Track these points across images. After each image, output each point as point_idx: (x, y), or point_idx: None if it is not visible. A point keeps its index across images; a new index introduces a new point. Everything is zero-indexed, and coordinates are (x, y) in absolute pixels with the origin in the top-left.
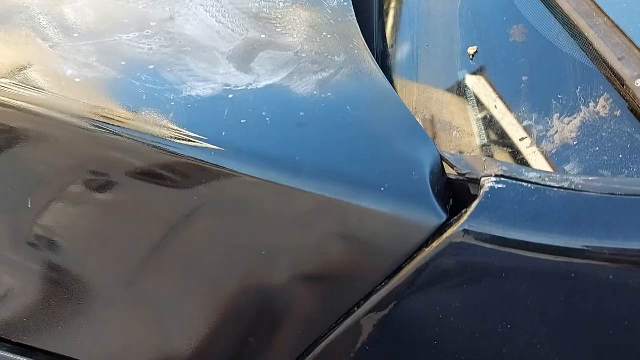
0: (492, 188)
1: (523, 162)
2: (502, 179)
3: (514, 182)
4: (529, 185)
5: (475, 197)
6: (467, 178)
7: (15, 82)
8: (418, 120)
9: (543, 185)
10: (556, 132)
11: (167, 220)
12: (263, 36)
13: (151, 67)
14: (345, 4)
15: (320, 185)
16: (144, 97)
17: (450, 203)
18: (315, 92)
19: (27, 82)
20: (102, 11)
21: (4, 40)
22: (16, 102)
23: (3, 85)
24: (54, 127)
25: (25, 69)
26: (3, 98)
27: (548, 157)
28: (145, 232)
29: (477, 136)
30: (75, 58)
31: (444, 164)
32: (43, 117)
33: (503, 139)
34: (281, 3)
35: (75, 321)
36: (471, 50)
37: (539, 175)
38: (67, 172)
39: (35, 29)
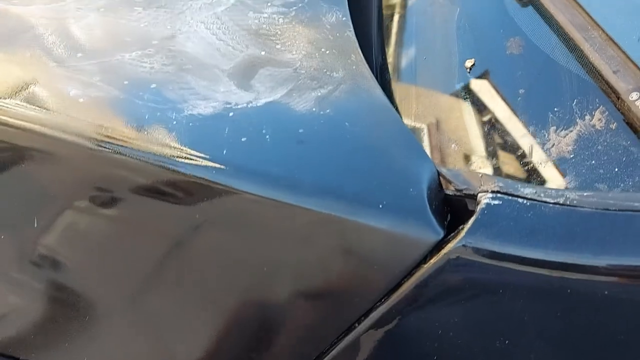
0: (488, 204)
1: (521, 176)
2: (498, 195)
3: (510, 198)
4: (525, 201)
5: (472, 212)
6: (464, 194)
7: (20, 102)
8: (419, 133)
9: (538, 200)
10: (553, 145)
11: (170, 238)
12: (263, 53)
13: (153, 85)
14: (344, 19)
15: (320, 202)
16: (147, 116)
17: (448, 219)
18: (314, 109)
19: (31, 101)
20: (105, 30)
21: (10, 60)
22: (21, 122)
23: (8, 105)
24: (58, 146)
25: (30, 88)
26: (8, 118)
27: (546, 170)
28: (149, 249)
29: (474, 149)
30: (78, 78)
31: (441, 179)
32: (48, 137)
33: (500, 152)
34: (280, 19)
35: (81, 338)
36: (468, 63)
37: (534, 191)
38: (71, 191)
39: (40, 49)
